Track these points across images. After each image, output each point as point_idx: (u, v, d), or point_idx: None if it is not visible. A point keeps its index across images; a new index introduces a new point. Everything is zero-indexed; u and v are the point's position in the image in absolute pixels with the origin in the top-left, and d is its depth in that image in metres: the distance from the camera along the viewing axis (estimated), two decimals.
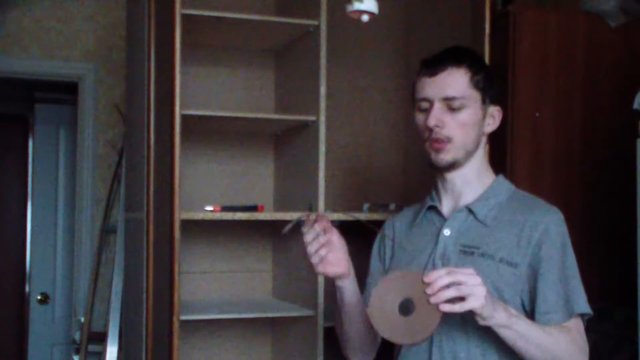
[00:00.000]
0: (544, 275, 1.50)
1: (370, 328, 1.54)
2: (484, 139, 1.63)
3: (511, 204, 1.59)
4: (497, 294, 1.49)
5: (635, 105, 2.13)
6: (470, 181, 1.61)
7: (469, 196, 1.61)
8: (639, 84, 2.21)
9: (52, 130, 4.33)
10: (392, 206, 2.37)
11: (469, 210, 1.59)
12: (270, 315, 2.27)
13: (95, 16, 3.54)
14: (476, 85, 1.58)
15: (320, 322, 2.09)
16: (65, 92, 4.05)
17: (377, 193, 2.61)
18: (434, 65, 1.61)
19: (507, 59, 2.51)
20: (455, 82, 1.58)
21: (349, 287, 1.57)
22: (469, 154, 1.59)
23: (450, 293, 1.28)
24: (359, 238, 2.10)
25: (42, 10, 3.47)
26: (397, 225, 1.75)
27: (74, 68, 3.54)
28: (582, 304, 1.51)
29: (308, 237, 1.51)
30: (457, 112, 1.57)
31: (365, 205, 2.42)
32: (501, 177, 1.65)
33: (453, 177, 1.61)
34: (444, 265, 1.55)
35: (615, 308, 2.34)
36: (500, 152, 2.44)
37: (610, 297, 2.39)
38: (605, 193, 2.56)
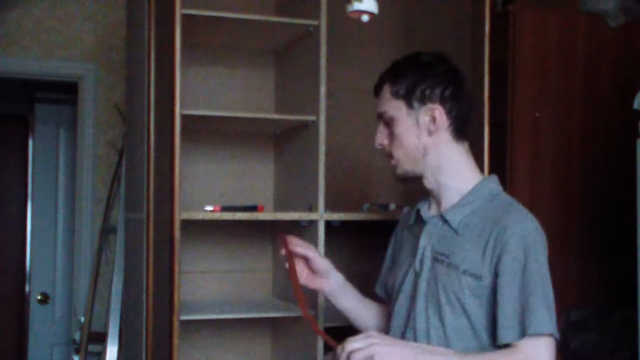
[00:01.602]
0: (502, 288, 1.45)
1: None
2: (441, 142, 1.58)
3: (487, 211, 1.54)
4: (459, 304, 1.49)
5: (635, 105, 2.13)
6: (447, 185, 1.60)
7: (448, 200, 1.59)
8: (639, 84, 2.22)
9: (52, 130, 4.33)
10: (392, 206, 2.36)
11: (443, 217, 1.58)
12: (270, 315, 2.27)
13: (95, 16, 3.54)
14: (396, 94, 1.60)
15: (320, 322, 2.09)
16: (65, 92, 4.05)
17: (377, 193, 2.60)
18: (375, 86, 1.68)
19: (507, 59, 2.51)
20: (381, 98, 1.64)
21: (333, 298, 1.77)
22: (418, 163, 1.59)
23: None
24: (360, 238, 2.11)
25: (42, 10, 3.47)
26: (401, 224, 1.79)
27: (74, 68, 3.54)
28: (538, 324, 1.41)
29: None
30: (391, 126, 1.62)
31: (365, 205, 2.41)
32: (486, 180, 1.60)
33: (425, 184, 1.62)
34: (418, 272, 1.58)
35: (615, 308, 2.34)
36: (500, 152, 2.44)
37: (610, 297, 2.39)
38: (605, 193, 2.56)
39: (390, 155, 1.64)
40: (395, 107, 1.60)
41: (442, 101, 1.57)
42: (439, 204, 1.61)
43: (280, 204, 2.46)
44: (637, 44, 2.62)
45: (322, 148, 2.11)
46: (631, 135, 2.16)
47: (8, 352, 4.62)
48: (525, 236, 1.46)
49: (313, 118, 2.14)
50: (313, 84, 2.15)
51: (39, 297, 4.30)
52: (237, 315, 2.15)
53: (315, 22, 2.13)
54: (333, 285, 1.77)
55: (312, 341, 2.11)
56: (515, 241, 1.46)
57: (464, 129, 1.60)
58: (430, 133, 1.58)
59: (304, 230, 2.19)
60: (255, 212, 2.16)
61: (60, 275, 4.31)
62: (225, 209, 2.13)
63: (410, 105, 1.58)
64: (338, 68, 2.51)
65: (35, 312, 4.31)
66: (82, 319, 3.35)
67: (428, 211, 1.63)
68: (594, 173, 2.56)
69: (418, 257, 1.59)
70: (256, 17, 2.14)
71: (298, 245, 1.75)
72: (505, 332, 1.43)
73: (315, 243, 2.09)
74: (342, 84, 2.58)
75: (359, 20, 1.80)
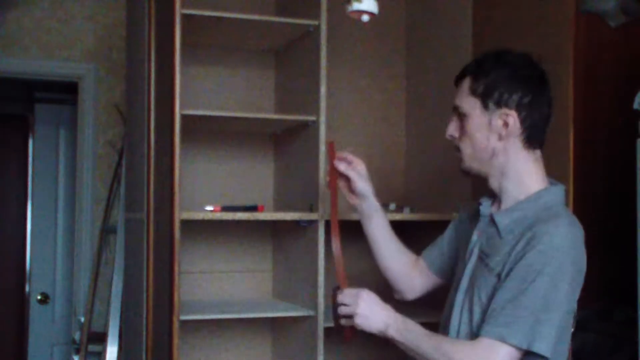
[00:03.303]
0: (503, 286, 1.47)
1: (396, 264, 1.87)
2: (510, 148, 1.56)
3: (534, 220, 1.51)
4: (486, 307, 1.50)
5: (635, 105, 2.13)
6: (507, 189, 1.59)
7: (506, 204, 1.59)
8: (639, 84, 2.21)
9: (52, 130, 4.33)
10: (392, 206, 2.36)
11: (492, 218, 1.58)
12: (270, 315, 2.27)
13: (95, 16, 3.54)
14: (474, 92, 1.57)
15: (320, 322, 2.09)
16: (65, 92, 4.05)
17: (377, 193, 2.60)
18: (456, 77, 1.65)
19: None
20: (460, 91, 1.61)
21: (364, 221, 1.85)
22: (483, 163, 1.59)
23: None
24: (360, 238, 2.10)
25: (42, 10, 3.47)
26: (462, 216, 1.80)
27: (74, 68, 3.54)
28: (503, 330, 1.42)
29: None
30: (464, 121, 1.60)
31: None
32: (547, 191, 1.57)
33: (490, 183, 1.61)
34: (465, 267, 1.61)
35: (615, 308, 2.34)
36: None
37: (610, 297, 2.39)
38: (606, 193, 2.56)
39: (457, 149, 1.63)
40: (471, 104, 1.57)
41: (518, 108, 1.54)
42: (499, 205, 1.61)
43: (280, 204, 2.46)
44: (637, 44, 2.62)
45: (322, 148, 2.11)
46: (631, 135, 2.16)
47: (8, 352, 4.62)
48: (547, 250, 1.44)
49: (313, 118, 2.14)
50: (313, 84, 2.15)
51: (39, 297, 4.30)
52: (237, 315, 2.15)
53: (315, 22, 2.13)
54: (365, 209, 1.84)
55: (312, 341, 2.11)
56: (535, 252, 1.44)
57: (536, 137, 1.57)
58: (500, 138, 1.55)
59: (304, 230, 2.19)
60: (255, 212, 2.16)
61: (60, 275, 4.31)
62: (225, 209, 2.13)
63: (485, 106, 1.56)
64: (338, 68, 2.51)
65: (35, 312, 4.31)
66: (82, 319, 3.35)
67: (488, 208, 1.62)
68: (594, 173, 2.56)
69: (468, 251, 1.62)
70: (256, 17, 2.14)
71: (342, 162, 1.82)
72: (484, 324, 1.46)
73: (315, 243, 2.09)
74: (342, 84, 2.58)
75: (359, 20, 1.80)
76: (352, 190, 1.84)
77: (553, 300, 1.43)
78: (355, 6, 1.76)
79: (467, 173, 1.65)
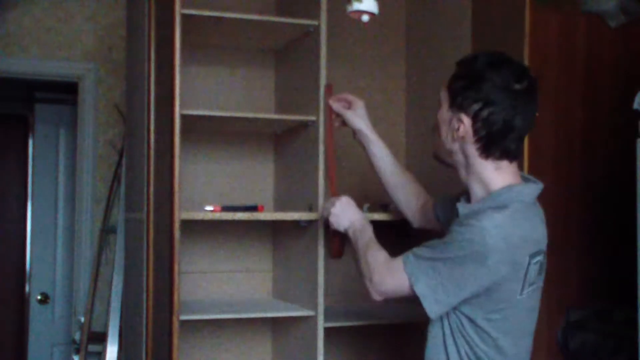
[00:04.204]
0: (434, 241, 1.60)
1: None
2: (467, 151, 1.59)
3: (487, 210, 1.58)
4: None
5: (635, 105, 2.13)
6: (472, 186, 1.63)
7: (474, 198, 1.64)
8: (639, 84, 2.21)
9: (52, 130, 4.33)
10: (392, 206, 2.36)
11: (457, 210, 1.64)
12: (270, 315, 2.27)
13: (95, 16, 3.54)
14: (449, 87, 1.62)
15: (320, 322, 2.09)
16: (65, 92, 4.05)
17: (377, 193, 2.60)
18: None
19: None
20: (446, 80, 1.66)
21: (366, 147, 2.02)
22: (444, 156, 1.66)
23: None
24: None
25: (42, 10, 3.47)
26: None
27: (74, 68, 3.54)
28: (411, 262, 1.57)
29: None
30: (439, 109, 1.67)
31: (366, 205, 2.41)
32: (507, 189, 1.58)
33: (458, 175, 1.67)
34: None
35: (615, 308, 2.34)
36: None
37: (610, 297, 2.39)
38: (605, 193, 2.56)
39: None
40: (444, 95, 1.63)
41: (475, 117, 1.56)
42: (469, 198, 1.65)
43: (280, 204, 2.46)
44: (637, 44, 2.62)
45: (322, 148, 2.11)
46: (631, 135, 2.16)
47: (8, 352, 4.63)
48: (472, 229, 1.50)
49: (313, 118, 2.14)
50: (313, 84, 2.15)
51: (39, 297, 4.30)
52: (237, 315, 2.15)
53: (315, 22, 2.13)
54: (362, 142, 2.02)
55: (312, 341, 2.11)
56: (464, 227, 1.52)
57: (496, 149, 1.57)
58: (453, 139, 1.60)
59: (304, 230, 2.19)
60: (256, 212, 2.17)
61: (60, 275, 4.31)
62: (225, 209, 2.13)
63: (451, 104, 1.60)
64: (338, 68, 2.51)
65: (35, 312, 4.31)
66: (82, 319, 3.35)
67: (460, 203, 1.66)
68: (594, 173, 2.56)
69: None
70: (256, 17, 2.14)
71: (335, 101, 2.04)
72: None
73: (315, 243, 2.09)
74: (342, 84, 2.57)
75: (359, 20, 1.81)
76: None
77: (460, 276, 1.51)
78: (356, 6, 1.77)
79: (439, 161, 1.70)
